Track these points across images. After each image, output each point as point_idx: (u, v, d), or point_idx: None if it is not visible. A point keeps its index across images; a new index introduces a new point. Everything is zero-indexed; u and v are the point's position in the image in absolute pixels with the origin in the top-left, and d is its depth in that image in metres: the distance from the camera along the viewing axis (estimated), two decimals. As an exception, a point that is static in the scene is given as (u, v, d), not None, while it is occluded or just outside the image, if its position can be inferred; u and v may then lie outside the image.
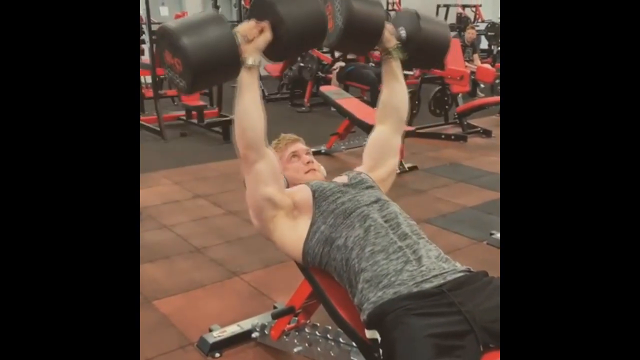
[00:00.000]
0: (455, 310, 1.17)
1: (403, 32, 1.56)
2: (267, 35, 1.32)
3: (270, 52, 1.35)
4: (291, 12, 1.29)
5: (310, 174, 1.59)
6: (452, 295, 1.19)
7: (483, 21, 9.68)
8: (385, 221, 1.37)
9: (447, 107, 5.76)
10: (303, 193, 1.47)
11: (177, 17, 6.98)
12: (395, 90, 1.61)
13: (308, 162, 1.61)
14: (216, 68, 1.22)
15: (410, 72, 6.26)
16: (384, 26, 1.50)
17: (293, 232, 1.44)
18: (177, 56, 1.18)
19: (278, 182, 1.43)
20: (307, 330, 1.82)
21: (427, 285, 1.23)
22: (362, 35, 1.48)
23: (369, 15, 1.45)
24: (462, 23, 9.56)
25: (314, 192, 1.45)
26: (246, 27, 1.31)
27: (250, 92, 1.34)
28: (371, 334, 1.26)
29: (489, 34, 9.02)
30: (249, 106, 1.35)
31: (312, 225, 1.41)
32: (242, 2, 6.36)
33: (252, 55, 1.31)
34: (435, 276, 1.25)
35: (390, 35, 1.55)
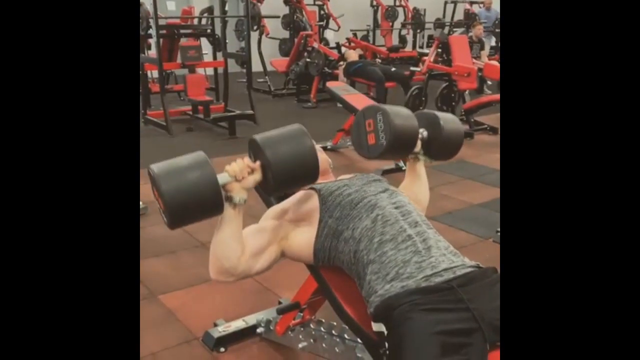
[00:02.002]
0: (463, 307, 1.16)
1: (425, 133, 1.65)
2: (256, 177, 1.31)
3: (261, 188, 1.37)
4: (278, 158, 1.29)
5: None
6: (461, 292, 1.18)
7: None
8: (396, 208, 1.36)
9: (453, 103, 5.74)
10: (304, 199, 1.45)
11: (185, 12, 6.97)
12: (417, 188, 1.69)
13: None
14: (195, 211, 1.24)
15: (417, 69, 6.24)
16: (418, 137, 1.60)
17: (301, 244, 1.43)
18: (159, 196, 1.23)
19: (261, 252, 1.39)
20: (312, 326, 1.82)
21: (436, 280, 1.21)
22: (401, 149, 1.58)
23: (409, 132, 1.54)
24: (469, 19, 9.50)
25: (319, 190, 1.44)
26: (236, 168, 1.29)
27: (231, 227, 1.32)
28: (377, 326, 1.25)
29: (497, 30, 8.96)
30: (228, 239, 1.32)
31: (320, 222, 1.40)
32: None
33: (238, 194, 1.30)
34: (445, 270, 1.24)
35: (418, 141, 1.61)
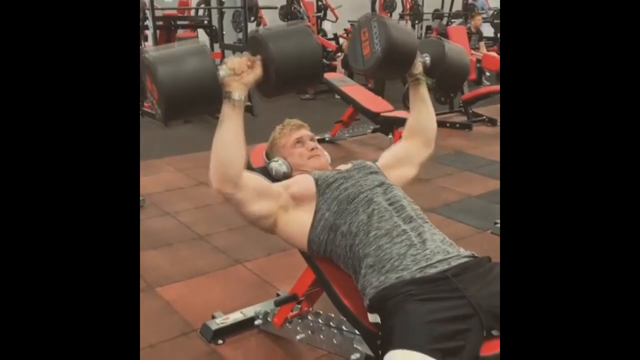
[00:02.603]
0: (459, 295, 1.16)
1: (427, 59, 1.60)
2: (256, 72, 1.27)
3: (260, 88, 1.31)
4: (282, 52, 1.23)
5: (314, 160, 1.58)
6: (456, 281, 1.19)
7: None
8: (390, 204, 1.36)
9: (452, 95, 5.72)
10: (304, 183, 1.45)
11: (181, 3, 6.93)
12: (423, 114, 1.63)
13: (312, 149, 1.60)
14: (193, 100, 1.18)
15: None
16: (416, 54, 1.54)
17: (296, 224, 1.43)
18: (154, 84, 1.16)
19: (264, 195, 1.38)
20: (309, 317, 1.82)
21: (431, 271, 1.22)
22: (397, 63, 1.51)
23: (405, 44, 1.47)
24: (468, 10, 9.46)
25: (316, 180, 1.44)
26: (235, 61, 1.26)
27: (231, 126, 1.27)
28: (373, 317, 1.26)
29: (496, 21, 8.93)
30: (228, 140, 1.28)
31: (316, 213, 1.40)
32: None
33: (237, 90, 1.25)
34: (439, 261, 1.24)
35: (419, 62, 1.57)
